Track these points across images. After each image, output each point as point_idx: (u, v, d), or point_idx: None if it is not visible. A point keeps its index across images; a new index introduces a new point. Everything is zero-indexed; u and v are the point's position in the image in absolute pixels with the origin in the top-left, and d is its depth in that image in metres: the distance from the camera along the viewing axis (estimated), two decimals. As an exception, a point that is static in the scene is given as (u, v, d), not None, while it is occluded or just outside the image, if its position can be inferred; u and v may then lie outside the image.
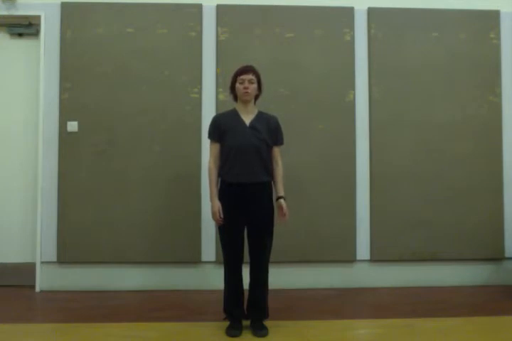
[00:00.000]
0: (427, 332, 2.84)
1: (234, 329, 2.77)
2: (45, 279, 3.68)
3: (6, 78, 3.89)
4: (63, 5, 3.73)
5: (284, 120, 3.02)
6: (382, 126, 3.83)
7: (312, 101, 3.79)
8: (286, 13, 3.81)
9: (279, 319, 2.98)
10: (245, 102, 2.86)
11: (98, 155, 3.69)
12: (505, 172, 3.88)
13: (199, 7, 3.79)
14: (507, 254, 3.85)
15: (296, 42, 3.81)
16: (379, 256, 3.80)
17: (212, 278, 3.63)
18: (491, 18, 3.92)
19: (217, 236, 3.01)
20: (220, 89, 3.73)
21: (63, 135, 3.68)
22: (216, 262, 3.68)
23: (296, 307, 3.28)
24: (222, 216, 2.78)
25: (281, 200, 2.85)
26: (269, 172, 2.86)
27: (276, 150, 2.91)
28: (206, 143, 3.30)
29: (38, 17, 3.74)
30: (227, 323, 2.84)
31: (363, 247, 3.79)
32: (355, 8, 3.87)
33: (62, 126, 3.68)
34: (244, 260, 2.87)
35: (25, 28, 3.84)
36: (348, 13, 3.85)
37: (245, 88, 2.80)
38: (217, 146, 2.87)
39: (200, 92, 3.76)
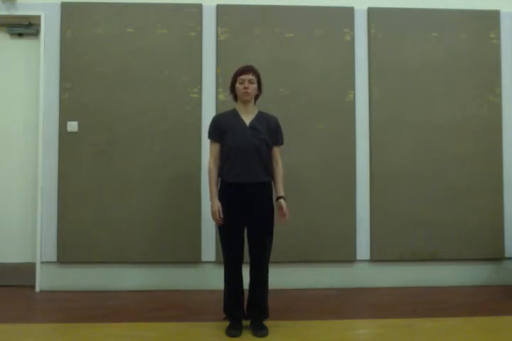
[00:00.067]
0: (427, 332, 2.84)
1: (234, 329, 2.77)
2: (45, 279, 3.68)
3: (6, 78, 3.89)
4: (63, 5, 3.73)
5: (284, 120, 3.03)
6: (382, 126, 3.83)
7: (312, 101, 3.79)
8: (286, 13, 3.81)
9: (279, 319, 2.98)
10: (245, 102, 2.86)
11: (98, 155, 3.69)
12: (505, 172, 3.88)
13: (199, 7, 3.79)
14: (507, 254, 3.85)
15: (296, 42, 3.81)
16: (379, 256, 3.80)
17: (212, 278, 3.63)
18: (491, 18, 3.92)
19: (217, 236, 3.01)
20: (220, 89, 3.73)
21: (63, 135, 3.68)
22: (216, 262, 3.68)
23: (296, 307, 3.28)
24: (222, 216, 2.79)
25: (281, 200, 2.85)
26: (269, 172, 2.86)
27: (276, 150, 2.91)
28: (206, 143, 3.30)
29: (38, 17, 3.74)
30: (227, 323, 2.84)
31: (363, 247, 3.79)
32: (355, 8, 3.87)
33: (62, 126, 3.68)
34: (244, 260, 2.87)
35: (25, 28, 3.84)
36: (348, 13, 3.86)
37: (245, 88, 2.80)
38: (217, 146, 2.87)
39: (200, 92, 3.76)
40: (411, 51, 3.86)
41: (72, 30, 3.72)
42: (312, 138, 3.77)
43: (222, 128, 2.83)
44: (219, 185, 2.86)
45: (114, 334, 2.77)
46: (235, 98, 2.91)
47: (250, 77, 2.82)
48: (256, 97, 2.91)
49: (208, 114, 3.62)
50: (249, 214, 2.80)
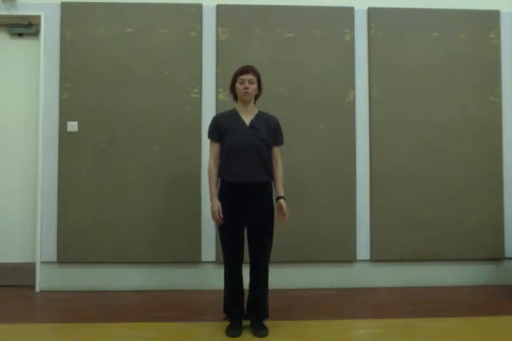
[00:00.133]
0: (427, 332, 2.84)
1: (234, 329, 2.77)
2: (45, 279, 3.68)
3: (6, 78, 3.89)
4: (63, 5, 3.73)
5: (284, 120, 3.03)
6: (382, 126, 3.83)
7: (312, 101, 3.79)
8: (286, 13, 3.81)
9: (279, 319, 2.98)
10: (245, 102, 2.86)
11: (98, 155, 3.69)
12: (505, 172, 3.88)
13: (199, 7, 3.79)
14: (507, 254, 3.85)
15: (296, 42, 3.81)
16: (379, 256, 3.80)
17: (212, 278, 3.63)
18: (491, 18, 3.92)
19: (217, 236, 3.01)
20: (220, 89, 3.73)
21: (63, 135, 3.68)
22: (216, 262, 3.68)
23: (296, 307, 3.28)
24: (221, 216, 2.79)
25: (281, 200, 2.85)
26: (269, 172, 2.86)
27: (276, 150, 2.91)
28: (206, 143, 3.30)
29: (38, 17, 3.74)
30: (227, 323, 2.84)
31: (363, 247, 3.79)
32: (355, 8, 3.87)
33: (62, 126, 3.68)
34: (244, 260, 2.87)
35: (25, 28, 3.84)
36: (348, 13, 3.86)
37: (245, 88, 2.80)
38: (217, 146, 2.87)
39: (200, 92, 3.76)
40: (411, 51, 3.86)
41: (72, 30, 3.72)
42: (312, 138, 3.77)
43: (222, 128, 2.83)
44: (219, 185, 2.86)
45: (114, 334, 2.77)
46: (235, 98, 2.91)
47: (250, 77, 2.82)
48: (256, 97, 2.91)
49: (208, 114, 3.62)
50: (249, 214, 2.79)
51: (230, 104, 3.01)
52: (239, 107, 2.89)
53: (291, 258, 3.71)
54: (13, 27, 3.84)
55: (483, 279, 3.85)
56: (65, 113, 3.69)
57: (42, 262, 3.68)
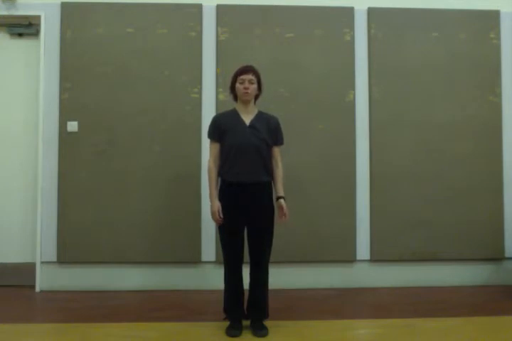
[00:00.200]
0: (427, 332, 2.84)
1: (234, 329, 2.77)
2: (45, 279, 3.68)
3: (6, 78, 3.89)
4: (63, 5, 3.73)
5: (284, 120, 3.03)
6: (382, 126, 3.83)
7: (312, 101, 3.79)
8: (286, 13, 3.81)
9: (279, 319, 2.98)
10: (245, 102, 2.86)
11: (98, 155, 3.69)
12: (505, 172, 3.88)
13: (199, 7, 3.79)
14: (507, 254, 3.85)
15: (296, 42, 3.81)
16: (379, 256, 3.80)
17: (212, 278, 3.63)
18: (491, 18, 3.92)
19: (217, 236, 3.01)
20: (220, 89, 3.73)
21: (63, 135, 3.69)
22: (216, 262, 3.68)
23: (296, 307, 3.28)
24: (221, 216, 2.79)
25: (282, 200, 2.85)
26: (269, 171, 2.86)
27: (277, 150, 2.91)
28: (206, 143, 3.30)
29: (38, 17, 3.74)
30: (227, 323, 2.84)
31: (363, 247, 3.79)
32: (355, 8, 3.87)
33: (62, 126, 3.68)
34: (244, 260, 2.87)
35: (25, 28, 3.84)
36: (348, 13, 3.85)
37: (245, 88, 2.80)
38: (217, 146, 2.87)
39: (200, 92, 3.76)
40: (411, 51, 3.86)
41: (72, 30, 3.72)
42: (312, 138, 3.77)
43: (222, 128, 2.83)
44: (219, 185, 2.87)
45: (114, 334, 2.77)
46: (235, 98, 2.91)
47: (250, 77, 2.82)
48: (256, 97, 2.91)
49: (208, 114, 3.62)
50: (249, 214, 2.80)
51: (230, 104, 3.01)
52: (239, 107, 2.89)
53: (291, 258, 3.71)
54: (13, 27, 3.84)
55: (483, 279, 3.85)
56: (65, 113, 3.69)
57: (42, 262, 3.68)
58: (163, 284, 3.69)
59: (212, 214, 2.81)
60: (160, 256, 3.67)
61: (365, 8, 3.88)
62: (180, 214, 3.69)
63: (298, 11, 3.82)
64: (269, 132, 2.85)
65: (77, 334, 2.76)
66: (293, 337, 2.74)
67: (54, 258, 3.66)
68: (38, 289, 3.67)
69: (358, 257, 3.79)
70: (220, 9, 3.80)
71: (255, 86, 2.84)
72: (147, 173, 3.69)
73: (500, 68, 3.92)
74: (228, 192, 2.81)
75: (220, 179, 2.86)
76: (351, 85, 3.83)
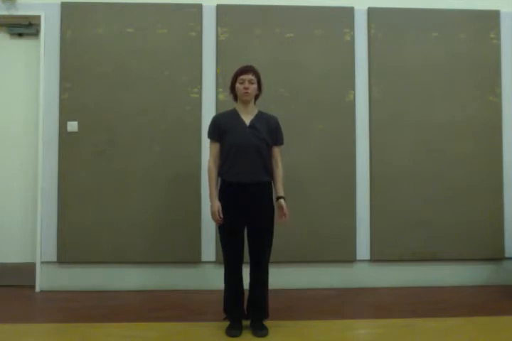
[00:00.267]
0: (427, 332, 2.84)
1: (234, 329, 2.77)
2: (45, 279, 3.68)
3: (6, 78, 3.89)
4: (63, 5, 3.73)
5: (284, 120, 3.03)
6: (382, 126, 3.83)
7: (312, 101, 3.79)
8: (286, 13, 3.81)
9: (279, 319, 2.98)
10: (245, 102, 2.86)
11: (98, 155, 3.69)
12: (505, 172, 3.88)
13: (199, 7, 3.79)
14: (507, 254, 3.85)
15: (296, 42, 3.81)
16: (379, 256, 3.80)
17: (212, 278, 3.63)
18: (491, 18, 3.92)
19: (217, 236, 3.01)
20: (220, 89, 3.73)
21: (63, 135, 3.69)
22: (216, 262, 3.68)
23: (296, 307, 3.28)
24: (221, 216, 2.79)
25: (282, 200, 2.85)
26: (269, 171, 2.86)
27: (276, 150, 2.91)
28: (206, 143, 3.30)
29: (38, 17, 3.74)
30: (227, 323, 2.84)
31: (363, 247, 3.79)
32: (355, 8, 3.87)
33: (62, 126, 3.68)
34: (244, 260, 2.87)
35: (25, 28, 3.84)
36: (348, 13, 3.85)
37: (245, 88, 2.80)
38: (217, 146, 2.87)
39: (200, 92, 3.76)
40: (411, 51, 3.86)
41: (72, 30, 3.72)
42: (312, 138, 3.77)
43: (222, 128, 2.83)
44: (219, 185, 2.86)
45: (114, 334, 2.77)
46: (235, 98, 2.91)
47: (250, 77, 2.82)
48: (256, 97, 2.91)
49: (208, 114, 3.62)
50: (249, 214, 2.80)
51: (230, 104, 3.01)
52: (239, 107, 2.89)
53: (291, 258, 3.71)
54: (13, 27, 3.84)
55: (483, 279, 3.85)
56: (65, 113, 3.69)
57: (42, 262, 3.68)
58: (163, 284, 3.69)
59: (212, 214, 2.81)
60: (160, 256, 3.67)
61: (365, 8, 3.88)
62: (180, 214, 3.69)
63: (298, 11, 3.82)
64: (269, 132, 2.85)
65: (77, 334, 2.76)
66: (293, 337, 2.74)
67: (54, 258, 3.66)
68: (38, 289, 3.67)
69: (358, 257, 3.79)
70: (220, 9, 3.80)
71: (255, 86, 2.84)
72: (147, 173, 3.69)
73: (500, 68, 3.92)
74: (228, 192, 2.81)
75: (220, 179, 2.86)
76: (351, 85, 3.83)
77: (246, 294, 2.87)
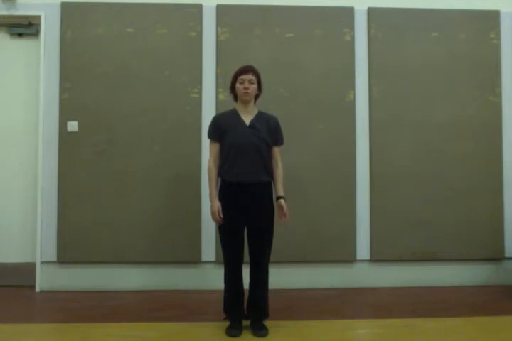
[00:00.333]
0: (427, 332, 2.84)
1: (234, 329, 2.77)
2: (45, 279, 3.68)
3: (6, 78, 3.89)
4: (63, 5, 3.73)
5: (284, 120, 3.03)
6: (382, 126, 3.83)
7: (312, 101, 3.79)
8: (286, 13, 3.81)
9: (279, 319, 2.98)
10: (245, 102, 2.86)
11: (98, 155, 3.69)
12: (505, 172, 3.88)
13: (199, 7, 3.79)
14: (507, 254, 3.85)
15: (296, 42, 3.81)
16: (379, 256, 3.80)
17: (212, 278, 3.63)
18: (491, 18, 3.92)
19: (217, 236, 3.01)
20: (220, 89, 3.73)
21: (63, 135, 3.69)
22: (216, 262, 3.68)
23: (296, 307, 3.28)
24: (221, 216, 2.79)
25: (282, 200, 2.85)
26: (269, 171, 2.86)
27: (276, 150, 2.91)
28: (206, 143, 3.30)
29: (38, 17, 3.74)
30: (227, 323, 2.84)
31: (363, 247, 3.79)
32: (355, 8, 3.87)
33: (62, 126, 3.68)
34: (244, 260, 2.87)
35: (25, 28, 3.84)
36: (348, 13, 3.85)
37: (245, 88, 2.80)
38: (217, 146, 2.87)
39: (200, 92, 3.76)
40: (411, 51, 3.86)
41: (72, 30, 3.72)
42: (312, 138, 3.77)
43: (222, 128, 2.83)
44: (219, 185, 2.86)
45: (114, 334, 2.77)
46: (235, 98, 2.91)
47: (250, 77, 2.82)
48: (256, 97, 2.91)
49: (208, 114, 3.62)
50: (249, 214, 2.80)
51: (230, 104, 3.01)
52: (239, 107, 2.89)
53: (291, 258, 3.71)
54: (13, 27, 3.84)
55: (483, 279, 3.85)
56: (65, 113, 3.69)
57: (42, 262, 3.68)
58: (163, 284, 3.69)
59: (212, 214, 2.81)
60: (160, 256, 3.67)
61: (365, 8, 3.88)
62: (180, 214, 3.69)
63: (298, 11, 3.82)
64: (269, 132, 2.85)
65: (77, 334, 2.76)
66: (293, 337, 2.74)
67: (54, 258, 3.66)
68: (38, 289, 3.67)
69: (358, 257, 3.79)
70: (220, 9, 3.80)
71: (255, 86, 2.84)
72: (147, 173, 3.69)
73: (500, 68, 3.92)
74: (228, 192, 2.81)
75: (220, 179, 2.86)
76: (351, 85, 3.83)
77: (246, 294, 2.87)
